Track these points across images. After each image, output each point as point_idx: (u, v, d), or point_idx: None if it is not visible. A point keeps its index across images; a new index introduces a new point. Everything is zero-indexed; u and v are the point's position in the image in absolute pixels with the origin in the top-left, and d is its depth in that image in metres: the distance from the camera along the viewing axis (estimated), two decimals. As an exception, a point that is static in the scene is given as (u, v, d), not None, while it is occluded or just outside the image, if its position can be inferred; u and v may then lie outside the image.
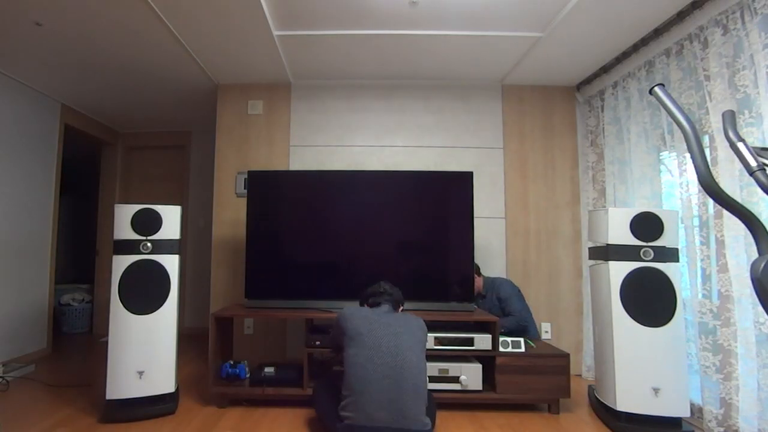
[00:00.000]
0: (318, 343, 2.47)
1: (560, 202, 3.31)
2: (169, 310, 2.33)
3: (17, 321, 3.31)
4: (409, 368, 1.78)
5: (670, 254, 2.20)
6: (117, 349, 2.25)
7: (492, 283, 2.96)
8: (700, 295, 2.23)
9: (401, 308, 2.17)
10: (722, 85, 2.04)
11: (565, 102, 3.39)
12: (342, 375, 1.87)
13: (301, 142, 3.36)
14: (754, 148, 1.12)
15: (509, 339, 2.49)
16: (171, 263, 2.36)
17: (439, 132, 3.37)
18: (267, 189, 2.87)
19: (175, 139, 4.71)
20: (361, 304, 2.18)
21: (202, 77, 3.27)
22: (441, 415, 2.25)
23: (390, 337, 1.84)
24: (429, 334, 2.19)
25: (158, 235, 2.35)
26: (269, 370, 2.58)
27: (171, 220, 2.39)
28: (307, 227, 2.88)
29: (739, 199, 1.86)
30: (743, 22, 1.95)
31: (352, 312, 1.99)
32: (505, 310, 2.85)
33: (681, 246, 2.26)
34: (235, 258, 3.23)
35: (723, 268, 2.05)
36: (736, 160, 1.14)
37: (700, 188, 2.16)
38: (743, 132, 1.91)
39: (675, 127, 2.31)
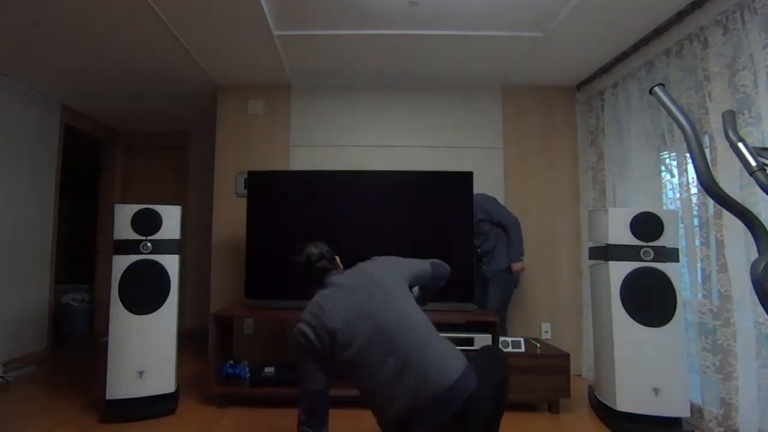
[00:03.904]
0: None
1: (560, 202, 3.30)
2: (169, 310, 2.33)
3: (17, 321, 3.30)
4: (405, 330, 1.54)
5: (670, 254, 2.20)
6: (117, 349, 2.26)
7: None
8: (700, 295, 2.23)
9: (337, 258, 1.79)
10: (722, 85, 2.03)
11: (565, 102, 3.38)
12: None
13: (301, 142, 3.36)
14: (754, 148, 1.12)
15: (509, 339, 2.49)
16: (171, 263, 2.36)
17: (439, 132, 3.37)
18: (267, 189, 2.87)
19: (175, 139, 4.70)
20: (307, 283, 1.76)
21: (202, 77, 3.27)
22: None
23: (369, 319, 1.52)
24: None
25: (158, 235, 2.35)
26: (269, 370, 2.58)
27: (171, 220, 2.39)
28: (307, 227, 2.87)
29: (739, 199, 1.86)
30: (743, 22, 1.95)
31: (309, 318, 1.54)
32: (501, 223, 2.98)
33: (681, 246, 2.26)
34: (235, 258, 3.23)
35: (723, 268, 2.05)
36: (736, 160, 1.14)
37: (700, 188, 2.16)
38: (743, 132, 1.90)
39: (675, 127, 2.30)
